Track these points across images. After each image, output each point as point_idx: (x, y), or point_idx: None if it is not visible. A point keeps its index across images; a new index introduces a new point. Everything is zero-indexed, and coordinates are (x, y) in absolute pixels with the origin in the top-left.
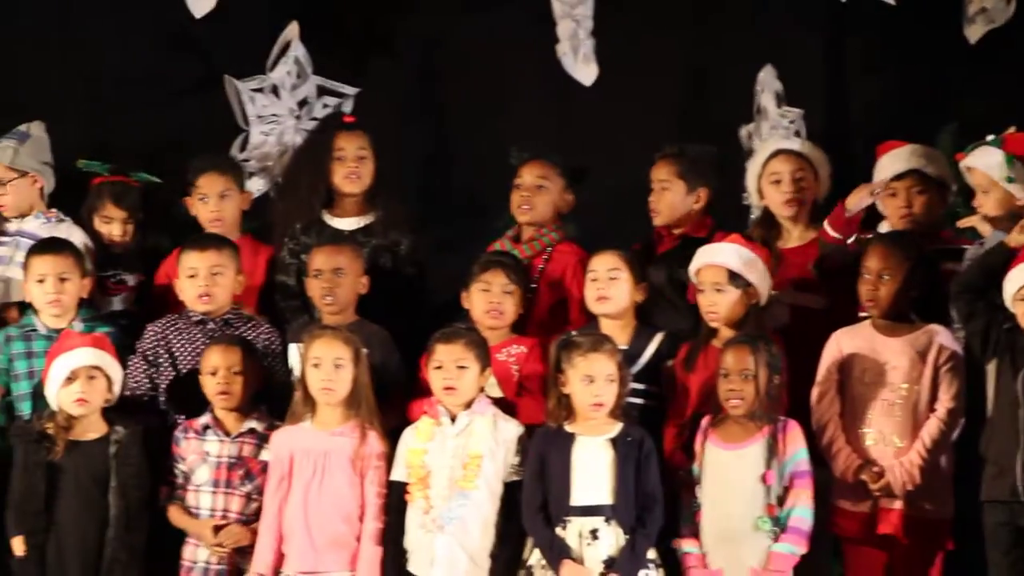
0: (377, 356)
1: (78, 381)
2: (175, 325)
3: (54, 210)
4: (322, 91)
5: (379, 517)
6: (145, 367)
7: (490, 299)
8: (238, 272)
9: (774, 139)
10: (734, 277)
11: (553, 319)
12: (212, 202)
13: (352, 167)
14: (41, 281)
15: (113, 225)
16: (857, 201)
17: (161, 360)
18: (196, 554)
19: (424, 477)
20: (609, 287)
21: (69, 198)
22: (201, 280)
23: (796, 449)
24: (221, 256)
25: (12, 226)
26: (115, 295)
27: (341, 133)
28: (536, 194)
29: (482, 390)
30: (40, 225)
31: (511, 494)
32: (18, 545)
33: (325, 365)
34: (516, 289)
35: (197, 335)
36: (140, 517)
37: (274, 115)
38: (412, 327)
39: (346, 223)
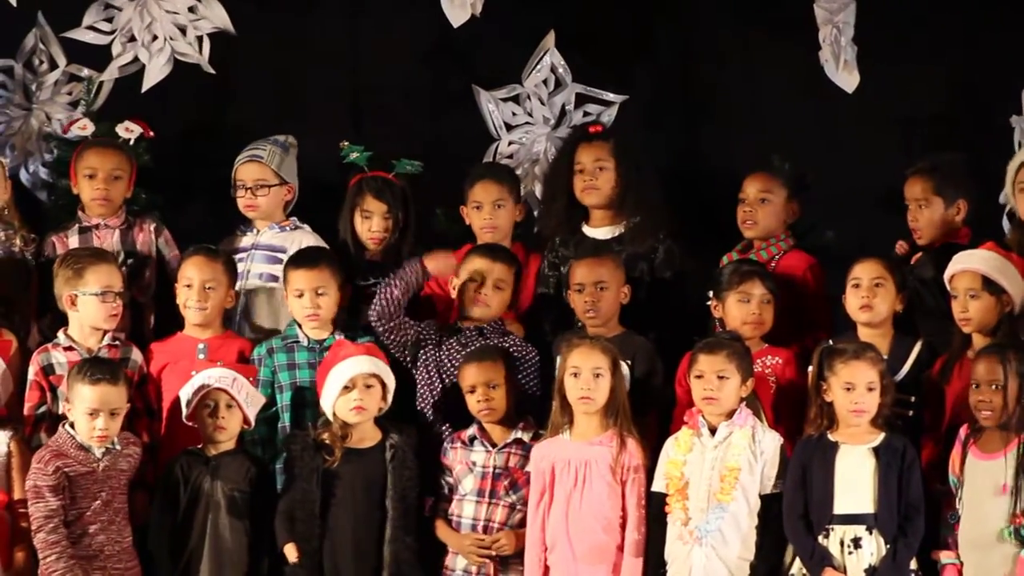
0: (642, 367)
1: (356, 389)
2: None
3: (291, 219)
4: (583, 99)
5: (639, 528)
6: (428, 378)
7: (750, 309)
8: (517, 288)
9: None
10: (988, 283)
11: (782, 328)
12: (486, 210)
13: (588, 179)
14: (299, 295)
15: (373, 220)
16: None
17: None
18: (456, 562)
19: (683, 488)
20: (873, 296)
21: (321, 208)
22: (484, 289)
23: None
24: (509, 272)
25: (248, 240)
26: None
27: (581, 144)
28: (759, 208)
29: (743, 400)
30: (274, 235)
31: (769, 506)
32: (291, 552)
33: (584, 374)
34: (773, 298)
35: (453, 345)
36: (414, 519)
37: (526, 124)
38: (669, 335)
39: (601, 233)
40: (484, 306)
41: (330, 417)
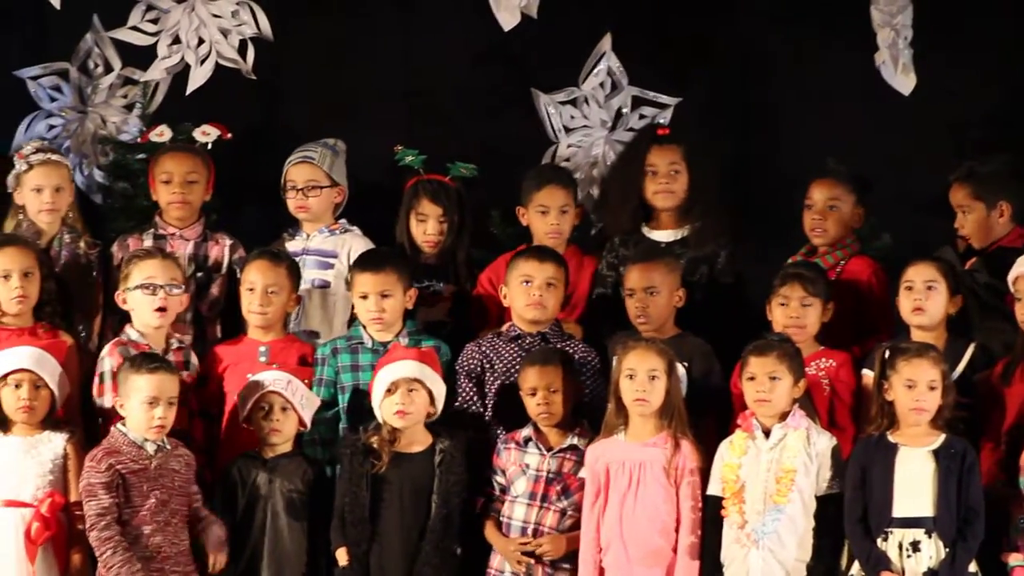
0: (698, 369)
1: (398, 393)
2: (492, 343)
3: (340, 221)
4: (639, 102)
5: (695, 531)
6: (471, 385)
7: (788, 313)
8: (567, 288)
9: None
10: None
11: (846, 332)
12: (553, 215)
13: (664, 183)
14: (364, 297)
15: (428, 223)
16: None
17: (485, 377)
18: (504, 563)
19: (738, 491)
20: (926, 298)
21: (373, 210)
22: (535, 290)
23: None
24: (559, 271)
25: (297, 244)
26: (430, 306)
27: (654, 147)
28: (828, 216)
29: (795, 401)
30: (324, 239)
31: (826, 507)
32: (342, 555)
33: (639, 376)
34: (817, 301)
35: (515, 351)
36: (456, 524)
37: (584, 127)
38: (731, 338)
39: (663, 235)
40: (540, 307)
41: (380, 420)
